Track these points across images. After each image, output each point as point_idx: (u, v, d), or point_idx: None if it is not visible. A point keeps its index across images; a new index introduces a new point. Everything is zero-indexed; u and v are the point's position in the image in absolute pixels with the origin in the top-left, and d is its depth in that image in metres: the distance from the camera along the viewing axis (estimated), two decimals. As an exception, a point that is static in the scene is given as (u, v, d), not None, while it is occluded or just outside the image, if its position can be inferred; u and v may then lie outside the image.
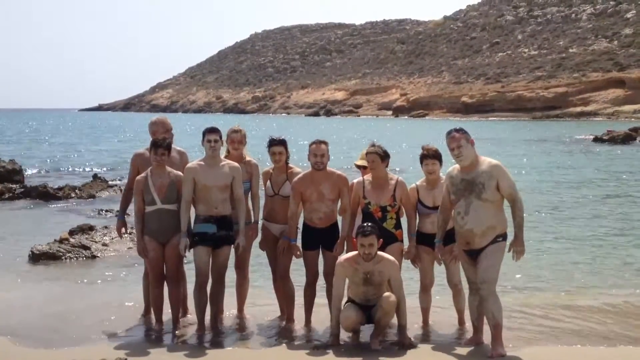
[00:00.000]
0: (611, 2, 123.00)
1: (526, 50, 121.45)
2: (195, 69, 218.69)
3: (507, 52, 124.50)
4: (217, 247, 6.26)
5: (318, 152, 6.21)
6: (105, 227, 11.25)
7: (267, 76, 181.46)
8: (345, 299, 6.02)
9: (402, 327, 5.88)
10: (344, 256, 6.00)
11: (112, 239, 10.56)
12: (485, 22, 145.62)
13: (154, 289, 6.43)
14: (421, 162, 6.29)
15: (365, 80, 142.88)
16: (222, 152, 6.56)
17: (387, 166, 6.30)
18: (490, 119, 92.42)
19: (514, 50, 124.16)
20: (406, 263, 6.44)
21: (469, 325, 6.16)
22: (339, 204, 6.39)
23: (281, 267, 6.57)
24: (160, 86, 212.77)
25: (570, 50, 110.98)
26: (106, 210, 14.18)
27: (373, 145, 6.27)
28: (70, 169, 26.20)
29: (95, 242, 10.34)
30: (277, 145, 6.54)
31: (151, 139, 6.41)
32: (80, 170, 25.66)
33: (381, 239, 5.81)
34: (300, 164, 6.85)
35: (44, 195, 16.30)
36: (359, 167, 6.71)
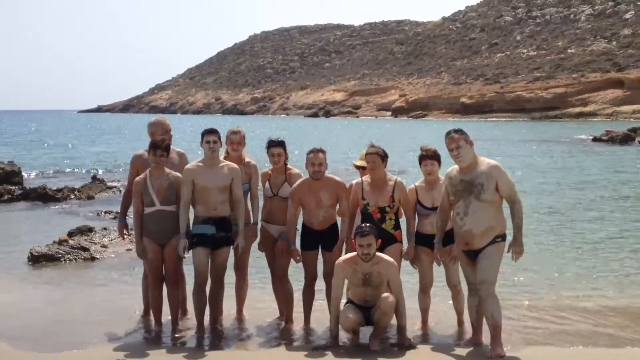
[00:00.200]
0: (610, 3, 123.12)
1: (525, 50, 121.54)
2: (194, 71, 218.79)
3: (505, 52, 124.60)
4: (216, 249, 6.25)
5: (316, 161, 6.19)
6: (105, 229, 11.24)
7: (266, 77, 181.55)
8: (344, 300, 6.03)
9: (401, 328, 5.88)
10: (342, 257, 5.99)
11: (111, 240, 10.56)
12: (484, 23, 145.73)
13: (153, 291, 6.42)
14: (420, 163, 6.29)
15: (364, 81, 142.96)
16: (222, 154, 6.57)
17: (385, 167, 6.30)
18: (489, 119, 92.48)
19: (513, 51, 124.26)
20: (405, 264, 6.44)
21: (468, 325, 6.16)
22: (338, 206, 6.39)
23: (279, 269, 6.57)
24: (159, 87, 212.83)
25: (569, 50, 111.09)
26: (105, 212, 14.17)
27: (372, 146, 6.27)
28: (69, 171, 26.18)
29: (95, 243, 10.33)
30: (275, 146, 6.53)
31: (150, 140, 6.41)
32: (79, 171, 25.64)
33: (379, 240, 5.80)
34: (298, 164, 6.83)
35: (43, 196, 16.31)
36: (357, 167, 6.71)
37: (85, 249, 9.94)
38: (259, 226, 6.72)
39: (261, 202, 6.69)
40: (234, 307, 6.95)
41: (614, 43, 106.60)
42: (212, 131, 6.30)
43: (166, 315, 6.49)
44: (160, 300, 6.44)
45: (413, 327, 6.30)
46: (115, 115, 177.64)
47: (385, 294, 5.79)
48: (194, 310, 6.37)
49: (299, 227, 6.51)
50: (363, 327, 5.96)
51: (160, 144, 6.25)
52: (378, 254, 5.80)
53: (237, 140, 6.63)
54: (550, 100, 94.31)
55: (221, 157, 6.45)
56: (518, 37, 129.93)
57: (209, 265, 6.29)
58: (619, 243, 10.85)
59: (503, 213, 5.67)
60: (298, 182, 6.36)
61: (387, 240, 6.11)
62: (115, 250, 10.16)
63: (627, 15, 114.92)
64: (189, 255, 6.32)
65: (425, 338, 6.23)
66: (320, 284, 6.52)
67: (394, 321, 5.95)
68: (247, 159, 6.71)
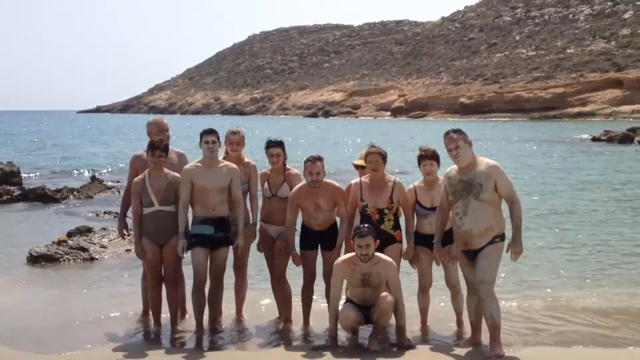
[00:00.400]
0: (609, 3, 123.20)
1: (524, 51, 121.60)
2: (194, 71, 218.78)
3: (505, 52, 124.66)
4: (214, 249, 6.25)
5: (314, 170, 6.17)
6: (104, 229, 11.23)
7: (265, 77, 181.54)
8: (343, 300, 6.03)
9: (400, 328, 5.88)
10: (341, 258, 5.99)
11: (111, 240, 10.55)
12: (483, 23, 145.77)
13: (152, 291, 6.42)
14: (419, 163, 6.29)
15: (363, 82, 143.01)
16: (221, 154, 6.57)
17: (385, 167, 6.29)
18: (488, 119, 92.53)
19: (512, 51, 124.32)
20: (405, 264, 6.44)
21: (467, 325, 6.16)
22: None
23: (277, 269, 6.57)
24: (159, 88, 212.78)
25: (568, 50, 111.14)
26: (104, 212, 14.15)
27: (373, 146, 6.27)
28: (68, 171, 26.16)
29: (94, 244, 10.33)
30: (274, 146, 6.53)
31: (149, 141, 6.41)
32: (79, 172, 25.63)
33: (378, 240, 5.80)
34: (299, 164, 6.83)
35: (42, 197, 16.29)
36: (357, 167, 6.70)
37: (84, 250, 9.93)
38: (257, 226, 6.72)
39: (260, 203, 6.69)
40: (233, 307, 6.95)
41: (613, 43, 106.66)
42: (210, 131, 6.29)
43: (165, 316, 6.48)
44: (159, 301, 6.44)
45: (412, 327, 6.30)
46: (115, 115, 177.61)
47: (384, 293, 5.79)
48: (193, 311, 6.37)
49: (299, 226, 6.51)
50: (362, 326, 5.96)
51: (158, 145, 6.25)
52: (377, 254, 5.80)
53: (236, 141, 6.62)
54: (549, 100, 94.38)
55: (221, 157, 6.46)
56: (517, 37, 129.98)
57: (208, 266, 6.30)
58: (618, 243, 10.85)
59: (502, 213, 5.67)
60: (296, 187, 6.34)
61: (386, 240, 6.11)
62: (115, 251, 10.16)
63: (626, 15, 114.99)
64: (187, 255, 6.32)
65: (424, 338, 6.23)
66: (319, 284, 6.53)
67: (393, 321, 5.96)
68: (246, 159, 6.71)
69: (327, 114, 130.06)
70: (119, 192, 17.25)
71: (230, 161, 6.47)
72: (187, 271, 6.71)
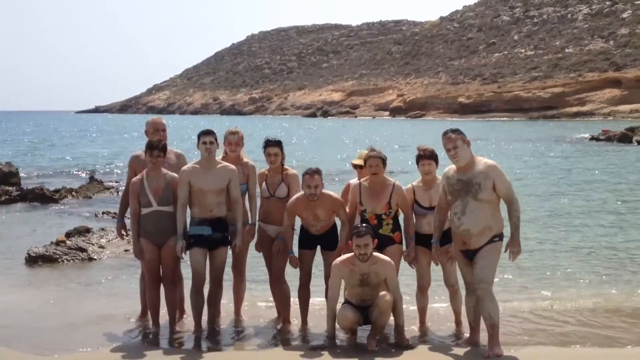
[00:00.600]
0: (607, 2, 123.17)
1: (522, 50, 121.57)
2: (192, 71, 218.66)
3: (503, 52, 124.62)
4: (213, 249, 6.25)
5: (312, 183, 6.15)
6: (102, 229, 11.23)
7: (264, 77, 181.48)
8: (342, 301, 6.03)
9: (399, 327, 5.88)
10: (339, 258, 5.99)
11: (109, 241, 10.55)
12: (482, 23, 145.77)
13: (150, 291, 6.42)
14: (417, 163, 6.29)
15: (362, 81, 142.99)
16: (220, 154, 6.56)
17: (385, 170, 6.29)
18: (487, 119, 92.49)
19: (511, 50, 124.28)
20: (403, 264, 6.43)
21: (465, 325, 6.16)
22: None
23: (276, 269, 6.56)
24: (157, 88, 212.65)
25: (567, 50, 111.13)
26: (103, 212, 14.14)
27: (373, 150, 6.27)
28: (66, 171, 26.14)
29: (92, 244, 10.32)
30: (272, 146, 6.52)
31: (147, 141, 6.40)
32: (77, 172, 25.61)
33: (376, 239, 5.80)
34: (300, 164, 6.83)
35: (40, 197, 16.27)
36: (355, 166, 6.69)
37: (82, 250, 9.93)
38: (256, 227, 6.72)
39: (258, 203, 6.69)
40: (232, 307, 6.94)
41: (612, 42, 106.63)
42: (208, 132, 6.29)
43: (164, 316, 6.48)
44: (157, 301, 6.43)
45: (411, 327, 6.30)
46: (113, 115, 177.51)
47: (383, 293, 5.78)
48: (191, 311, 6.37)
49: (297, 227, 6.51)
50: (361, 326, 5.96)
51: (156, 145, 6.24)
52: (375, 253, 5.80)
53: (235, 141, 6.60)
54: (547, 99, 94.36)
55: (220, 158, 6.46)
56: (515, 37, 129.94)
57: (207, 266, 6.29)
58: (617, 243, 10.85)
59: (500, 213, 5.67)
60: (294, 198, 6.33)
61: (386, 243, 6.12)
62: (113, 251, 10.15)
63: (625, 15, 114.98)
64: (186, 256, 6.31)
65: (423, 338, 6.23)
66: (320, 284, 6.52)
67: (391, 321, 5.96)
68: (245, 160, 6.69)
69: (325, 114, 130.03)
70: (118, 192, 17.24)
71: (229, 161, 6.46)
72: (186, 271, 6.71)
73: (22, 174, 21.20)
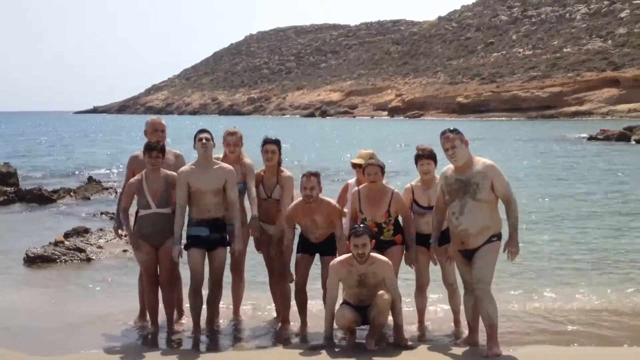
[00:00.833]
0: (605, 2, 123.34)
1: (521, 50, 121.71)
2: (191, 71, 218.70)
3: (501, 52, 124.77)
4: (211, 250, 6.24)
5: (308, 185, 6.15)
6: (101, 230, 11.22)
7: (262, 77, 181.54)
8: (340, 301, 6.02)
9: (398, 327, 5.88)
10: (337, 259, 5.98)
11: (107, 241, 10.54)
12: (480, 23, 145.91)
13: (148, 292, 6.41)
14: (416, 163, 6.29)
15: (360, 81, 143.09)
16: (218, 153, 6.55)
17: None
18: (485, 119, 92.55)
19: (509, 50, 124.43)
20: (403, 264, 6.42)
21: (464, 325, 6.16)
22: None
23: (280, 265, 6.53)
24: (155, 88, 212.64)
25: (565, 49, 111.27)
26: (101, 213, 14.14)
27: (372, 158, 6.27)
28: (65, 172, 26.11)
29: (90, 244, 10.32)
30: (270, 143, 6.52)
31: (145, 142, 6.39)
32: (75, 172, 25.58)
33: (373, 240, 5.80)
34: (300, 164, 6.82)
35: (38, 198, 16.26)
36: (354, 166, 6.69)
37: (81, 250, 9.92)
38: (256, 223, 6.66)
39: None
40: (231, 307, 6.94)
41: (610, 42, 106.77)
42: (204, 130, 6.32)
43: (162, 317, 6.47)
44: (155, 302, 6.43)
45: (409, 327, 6.30)
46: (112, 116, 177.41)
47: (381, 292, 5.77)
48: (190, 312, 6.36)
49: (297, 228, 6.50)
50: (359, 326, 5.96)
51: (155, 146, 6.23)
52: (372, 254, 5.79)
53: (233, 142, 6.58)
54: (546, 99, 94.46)
55: (219, 157, 6.45)
56: (514, 37, 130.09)
57: (207, 268, 6.28)
58: (616, 242, 10.85)
59: (499, 213, 5.67)
60: (292, 205, 6.33)
61: (387, 246, 6.14)
62: (111, 251, 10.15)
63: (623, 14, 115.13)
64: (184, 259, 6.30)
65: (421, 338, 6.23)
66: (318, 288, 6.51)
67: (390, 321, 5.96)
68: (245, 159, 6.67)
69: (324, 114, 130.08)
70: (116, 192, 17.23)
71: (229, 162, 6.45)
72: (184, 272, 6.70)
73: (20, 175, 21.18)
